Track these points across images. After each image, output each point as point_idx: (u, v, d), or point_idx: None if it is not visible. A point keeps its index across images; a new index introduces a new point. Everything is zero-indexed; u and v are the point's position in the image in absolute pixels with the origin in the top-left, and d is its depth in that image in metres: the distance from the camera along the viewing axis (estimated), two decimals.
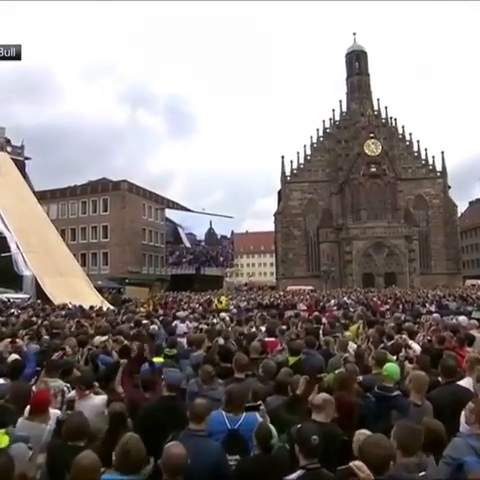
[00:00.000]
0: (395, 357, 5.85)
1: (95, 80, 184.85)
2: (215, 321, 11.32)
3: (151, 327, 9.41)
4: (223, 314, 12.31)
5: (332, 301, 22.50)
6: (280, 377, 4.82)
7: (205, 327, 9.69)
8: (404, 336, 7.06)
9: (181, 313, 10.92)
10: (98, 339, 7.62)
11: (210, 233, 52.69)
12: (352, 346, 7.06)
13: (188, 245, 49.27)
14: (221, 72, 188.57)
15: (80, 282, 27.98)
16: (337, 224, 52.95)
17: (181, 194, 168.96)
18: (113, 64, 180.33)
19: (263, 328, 9.46)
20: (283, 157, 57.46)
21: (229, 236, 54.45)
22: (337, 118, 58.25)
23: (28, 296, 24.04)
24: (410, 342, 6.77)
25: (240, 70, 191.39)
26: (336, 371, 4.87)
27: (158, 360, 6.43)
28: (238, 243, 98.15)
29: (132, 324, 10.05)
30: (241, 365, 5.06)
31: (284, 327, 9.08)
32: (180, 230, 49.02)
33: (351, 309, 16.18)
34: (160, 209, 49.38)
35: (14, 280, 25.01)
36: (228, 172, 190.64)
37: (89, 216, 46.59)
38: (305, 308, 20.63)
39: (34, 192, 35.68)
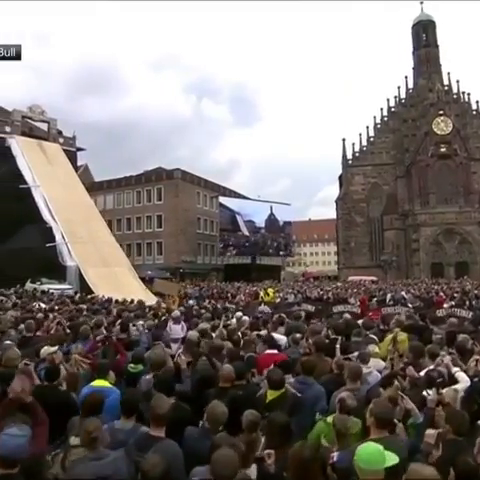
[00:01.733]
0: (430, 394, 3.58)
1: (161, 72, 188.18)
2: (230, 322, 9.37)
3: (132, 329, 7.71)
4: (239, 313, 10.33)
5: (388, 295, 19.71)
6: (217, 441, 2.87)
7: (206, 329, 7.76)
8: (447, 358, 4.67)
9: (175, 312, 9.15)
10: (46, 350, 6.02)
11: (271, 220, 50.72)
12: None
13: (246, 233, 47.74)
14: (283, 56, 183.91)
15: (124, 272, 27.33)
16: (403, 210, 48.74)
17: (246, 184, 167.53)
18: (179, 55, 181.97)
19: (277, 335, 7.40)
20: (344, 140, 53.78)
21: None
22: (403, 96, 53.38)
23: (70, 287, 23.74)
24: (455, 370, 4.41)
25: (302, 52, 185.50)
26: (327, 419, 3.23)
27: (98, 384, 4.63)
28: (301, 232, 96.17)
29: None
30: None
31: (298, 335, 6.93)
32: (238, 218, 47.46)
33: (409, 306, 13.49)
34: (214, 197, 48.17)
35: (58, 271, 24.79)
36: (293, 159, 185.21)
37: (144, 206, 46.43)
38: (356, 303, 18.09)
39: (84, 183, 35.74)
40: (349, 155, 53.20)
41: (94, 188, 48.91)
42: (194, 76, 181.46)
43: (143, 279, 35.92)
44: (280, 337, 7.14)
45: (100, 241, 28.14)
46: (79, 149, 39.58)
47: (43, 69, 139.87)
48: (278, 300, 22.09)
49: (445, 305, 13.69)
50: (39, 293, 21.44)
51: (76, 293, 21.09)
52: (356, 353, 5.36)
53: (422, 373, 4.38)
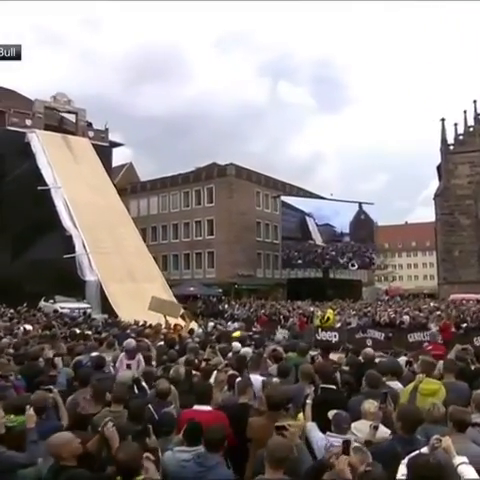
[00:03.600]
0: None
1: (230, 53, 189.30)
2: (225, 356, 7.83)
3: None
4: (237, 344, 8.72)
5: None
6: None
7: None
8: None
9: (129, 341, 7.71)
10: None
11: (358, 224, 49.02)
12: None
13: (319, 240, 45.79)
14: (373, 29, 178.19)
15: (156, 289, 26.71)
16: None
17: (332, 181, 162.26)
18: (249, 32, 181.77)
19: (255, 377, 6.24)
20: (443, 120, 49.70)
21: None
22: None
23: (89, 306, 23.46)
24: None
25: (397, 19, 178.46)
26: None
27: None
28: (395, 238, 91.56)
29: None
30: None
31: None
32: (309, 221, 45.72)
33: None
34: (276, 197, 46.67)
35: (77, 286, 24.77)
36: (392, 150, 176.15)
37: (192, 209, 46.12)
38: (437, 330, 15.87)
39: (127, 185, 36.08)
40: (450, 139, 48.98)
41: (137, 190, 49.91)
42: (268, 55, 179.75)
43: (187, 298, 35.66)
44: (257, 381, 5.96)
45: (128, 251, 27.91)
46: (115, 144, 40.26)
47: (93, 57, 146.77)
48: (338, 325, 20.26)
49: None
50: (52, 313, 21.28)
51: (85, 314, 20.66)
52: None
53: None
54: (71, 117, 35.07)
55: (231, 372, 6.56)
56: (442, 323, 16.58)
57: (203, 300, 35.23)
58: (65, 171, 29.85)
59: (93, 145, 33.62)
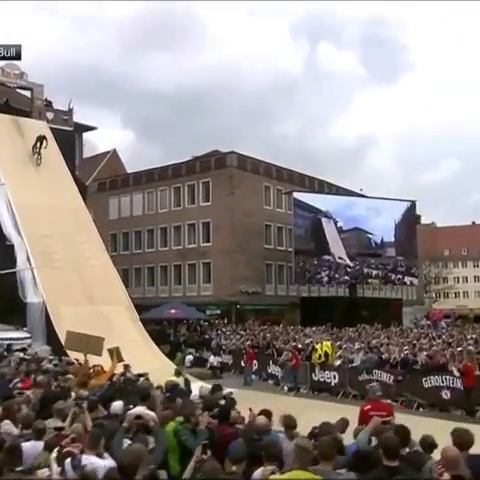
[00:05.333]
0: None
1: (257, 13, 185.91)
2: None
3: None
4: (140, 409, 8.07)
5: None
6: None
7: None
8: None
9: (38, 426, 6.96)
10: None
11: (406, 229, 48.68)
12: None
13: (342, 252, 45.12)
14: None
15: (119, 312, 26.38)
16: None
17: (384, 170, 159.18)
18: None
19: None
20: None
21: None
22: None
23: (27, 335, 23.18)
24: None
25: None
26: None
27: None
28: (459, 242, 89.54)
29: None
30: None
31: None
32: (327, 225, 45.10)
33: None
34: (288, 193, 45.99)
35: (17, 310, 24.50)
36: (465, 131, 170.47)
37: (184, 209, 45.75)
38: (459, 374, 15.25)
39: (106, 178, 35.93)
40: None
41: (117, 185, 50.00)
42: (305, 13, 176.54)
43: (161, 323, 35.38)
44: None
45: (88, 266, 27.60)
46: (84, 128, 40.24)
47: (88, 21, 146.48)
48: (338, 362, 20.20)
49: None
50: None
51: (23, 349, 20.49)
52: None
53: None
54: (27, 94, 35.14)
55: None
56: (463, 365, 15.66)
57: (188, 325, 34.86)
58: (12, 163, 29.76)
59: (53, 130, 33.48)
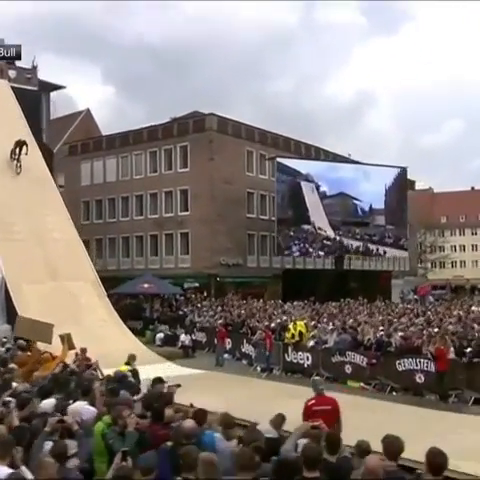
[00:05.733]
0: None
1: None
2: None
3: None
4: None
5: None
6: None
7: None
8: None
9: None
10: None
11: (397, 196, 48.88)
12: None
13: (323, 221, 45.18)
14: None
15: (86, 289, 26.36)
16: None
17: (382, 131, 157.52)
18: None
19: None
20: None
21: None
22: None
23: None
24: None
25: None
26: None
27: None
28: (457, 209, 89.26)
29: None
30: None
31: None
32: (307, 190, 44.83)
33: None
34: (271, 159, 45.79)
35: None
36: (472, 88, 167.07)
37: (161, 176, 45.44)
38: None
39: (78, 141, 35.42)
40: None
41: (89, 149, 49.62)
42: None
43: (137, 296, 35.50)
44: None
45: (51, 239, 27.47)
46: (52, 87, 39.72)
47: None
48: (311, 343, 20.91)
49: None
50: None
51: None
52: None
53: None
54: None
55: None
56: (435, 348, 15.88)
57: (162, 301, 35.02)
58: None
59: (15, 90, 32.96)
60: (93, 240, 48.95)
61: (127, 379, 10.99)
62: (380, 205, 48.22)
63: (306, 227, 44.84)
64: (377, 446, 9.91)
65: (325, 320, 24.55)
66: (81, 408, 8.45)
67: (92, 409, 8.36)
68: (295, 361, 20.80)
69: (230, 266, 43.62)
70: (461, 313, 27.69)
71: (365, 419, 13.13)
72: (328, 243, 45.52)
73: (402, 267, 58.34)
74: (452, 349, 16.48)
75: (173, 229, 44.87)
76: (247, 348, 23.86)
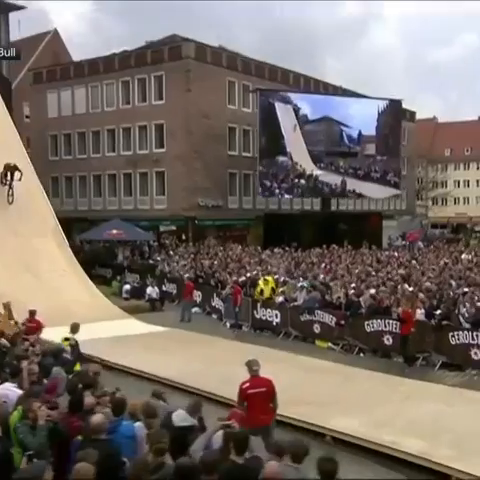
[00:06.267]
0: None
1: None
2: None
3: None
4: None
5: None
6: None
7: None
8: None
9: None
10: None
11: (386, 120, 48.13)
12: None
13: (302, 151, 44.85)
14: None
15: (44, 238, 26.40)
16: None
17: (387, 47, 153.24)
18: None
19: None
20: None
21: None
22: None
23: None
24: None
25: None
26: None
27: None
28: (462, 141, 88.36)
29: None
30: None
31: None
32: (282, 111, 44.19)
33: None
34: (255, 91, 45.33)
35: None
36: None
37: (135, 108, 44.97)
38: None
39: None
40: None
41: (56, 77, 49.00)
42: None
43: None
44: None
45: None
46: (10, 7, 39.13)
47: None
48: (280, 299, 21.44)
49: None
50: None
51: None
52: None
53: None
54: None
55: None
56: (402, 311, 16.45)
57: (132, 247, 35.36)
58: None
59: None
60: (62, 178, 49.19)
61: (63, 355, 11.34)
62: (371, 131, 47.19)
63: (281, 159, 44.55)
64: (332, 414, 10.74)
65: (300, 273, 25.07)
66: (7, 391, 8.84)
67: (19, 392, 8.68)
68: (264, 318, 21.40)
69: (209, 208, 43.84)
70: (448, 263, 28.34)
71: (322, 386, 13.82)
72: (301, 182, 45.17)
73: (398, 206, 58.74)
74: (422, 311, 17.03)
75: (148, 167, 44.87)
76: (217, 302, 24.42)
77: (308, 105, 44.61)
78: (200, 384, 13.67)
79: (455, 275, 22.60)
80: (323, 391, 13.36)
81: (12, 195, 25.99)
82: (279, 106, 43.84)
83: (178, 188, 43.26)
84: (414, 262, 29.16)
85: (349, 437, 10.69)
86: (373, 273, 23.88)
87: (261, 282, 22.09)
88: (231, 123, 45.71)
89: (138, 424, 7.33)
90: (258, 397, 9.05)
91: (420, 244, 42.95)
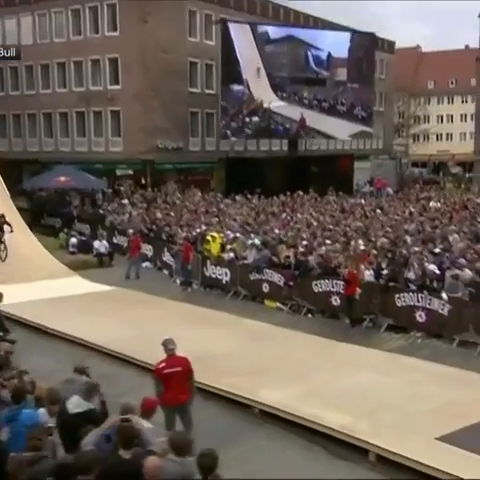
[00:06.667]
0: None
1: None
2: None
3: None
4: None
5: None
6: None
7: None
8: None
9: None
10: None
11: (360, 43, 47.67)
12: None
13: (260, 68, 44.26)
14: None
15: None
16: None
17: None
18: None
19: None
20: None
21: None
22: None
23: None
24: None
25: None
26: None
27: None
28: (447, 72, 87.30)
29: None
30: None
31: None
32: (237, 30, 43.53)
33: None
34: (220, 22, 44.88)
35: None
36: None
37: (86, 40, 44.42)
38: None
39: None
40: None
41: (0, 3, 48.12)
42: None
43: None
44: None
45: None
46: None
47: None
48: (231, 255, 21.97)
49: None
50: None
51: None
52: None
53: None
54: None
55: None
56: (347, 272, 17.15)
57: (82, 195, 35.46)
58: None
59: None
60: (10, 116, 48.80)
61: None
62: (342, 54, 46.24)
63: (236, 89, 44.24)
64: (264, 385, 11.29)
65: (256, 226, 25.59)
66: None
67: None
68: (214, 276, 22.02)
69: (169, 150, 43.93)
70: (414, 213, 29.06)
71: (260, 354, 14.44)
72: (254, 119, 44.47)
73: (374, 145, 58.84)
74: (371, 272, 17.73)
75: (102, 106, 44.63)
76: (168, 258, 24.94)
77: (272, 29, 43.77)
78: (132, 351, 14.25)
79: (412, 229, 23.20)
80: (260, 360, 13.97)
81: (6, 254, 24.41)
82: (233, 26, 43.24)
83: (135, 129, 43.21)
84: (379, 211, 29.81)
85: (275, 410, 11.39)
86: (330, 227, 24.47)
87: (210, 239, 22.54)
88: (192, 57, 45.53)
89: (42, 411, 7.63)
90: (175, 376, 9.60)
91: (389, 190, 43.43)
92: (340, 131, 48.89)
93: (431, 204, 32.24)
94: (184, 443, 6.41)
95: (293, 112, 44.86)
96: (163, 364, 9.78)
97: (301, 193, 36.67)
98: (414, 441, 9.79)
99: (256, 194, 36.82)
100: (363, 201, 35.43)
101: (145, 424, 7.38)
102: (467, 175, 64.72)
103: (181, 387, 9.71)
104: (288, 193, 36.32)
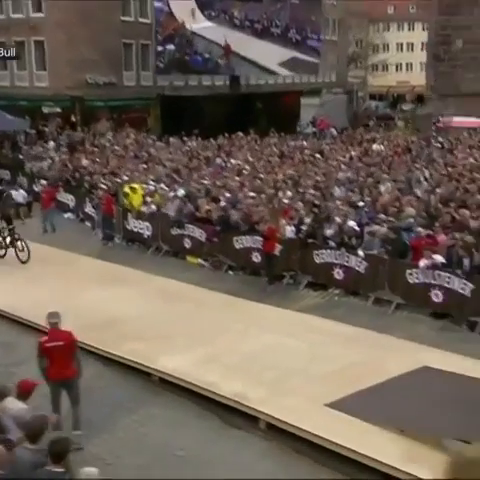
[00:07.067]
0: None
1: None
2: None
3: None
4: None
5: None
6: None
7: None
8: None
9: None
10: None
11: None
12: None
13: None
14: None
15: None
16: None
17: None
18: None
19: None
20: None
21: None
22: None
23: None
24: None
25: None
26: None
27: None
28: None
29: None
30: None
31: None
32: None
33: None
34: None
35: None
36: None
37: None
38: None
39: None
40: None
41: None
42: None
43: None
44: None
45: None
46: None
47: None
48: (153, 207, 22.36)
49: None
50: None
51: None
52: None
53: None
54: None
55: None
56: (267, 228, 17.78)
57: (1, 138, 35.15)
58: None
59: None
60: None
61: None
62: None
63: (156, 4, 43.88)
64: (165, 351, 12.56)
65: (185, 176, 25.96)
66: None
67: None
68: (135, 230, 22.54)
69: (100, 86, 43.67)
70: (354, 158, 29.62)
71: (168, 316, 14.97)
72: (169, 48, 43.91)
73: (326, 78, 58.27)
74: (292, 228, 18.40)
75: (24, 36, 43.92)
76: (90, 209, 25.29)
77: None
78: (33, 315, 14.37)
79: (344, 179, 23.78)
80: (167, 322, 14.45)
81: None
82: None
83: (61, 62, 42.85)
84: (318, 156, 30.27)
85: (172, 378, 12.05)
86: (262, 175, 24.94)
87: (128, 190, 22.89)
88: None
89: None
90: (57, 351, 10.01)
91: (333, 131, 43.60)
92: (269, 58, 47.38)
93: (374, 147, 32.66)
94: (39, 430, 6.76)
95: (217, 34, 43.60)
96: (46, 338, 10.23)
97: (241, 135, 36.81)
98: (303, 408, 10.50)
99: (193, 135, 36.93)
100: (305, 143, 35.72)
101: (20, 405, 7.97)
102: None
103: (65, 362, 10.09)
104: (226, 135, 36.48)
